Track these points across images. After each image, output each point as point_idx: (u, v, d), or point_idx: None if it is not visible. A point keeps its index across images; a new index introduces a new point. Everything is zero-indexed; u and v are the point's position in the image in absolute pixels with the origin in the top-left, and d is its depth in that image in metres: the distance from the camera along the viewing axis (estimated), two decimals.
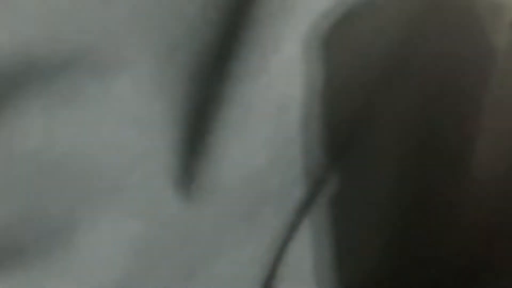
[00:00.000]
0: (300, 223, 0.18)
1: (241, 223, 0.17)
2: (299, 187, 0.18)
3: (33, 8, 0.14)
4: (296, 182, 0.18)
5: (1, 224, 0.15)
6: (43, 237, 0.16)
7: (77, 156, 0.16)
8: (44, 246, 0.16)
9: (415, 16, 0.18)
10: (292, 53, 0.17)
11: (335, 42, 0.18)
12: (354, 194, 0.18)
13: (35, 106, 0.15)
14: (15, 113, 0.15)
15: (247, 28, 0.16)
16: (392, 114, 0.18)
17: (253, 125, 0.17)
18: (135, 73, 0.16)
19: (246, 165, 0.17)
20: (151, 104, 0.16)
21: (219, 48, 0.16)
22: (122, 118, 0.16)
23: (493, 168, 0.19)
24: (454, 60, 0.18)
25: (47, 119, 0.15)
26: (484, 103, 0.18)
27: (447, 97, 0.19)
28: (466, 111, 0.18)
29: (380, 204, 0.18)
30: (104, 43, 0.15)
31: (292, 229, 0.18)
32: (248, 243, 0.17)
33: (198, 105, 0.16)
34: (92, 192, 0.16)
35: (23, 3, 0.14)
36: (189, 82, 0.16)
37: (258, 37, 0.16)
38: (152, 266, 0.17)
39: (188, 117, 0.16)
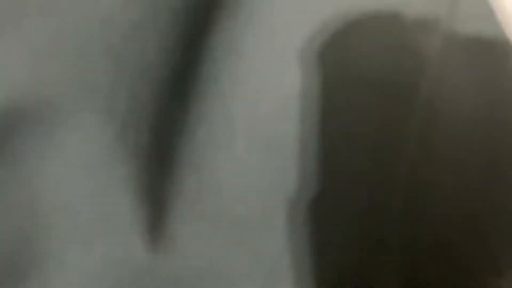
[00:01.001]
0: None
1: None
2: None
3: None
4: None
5: None
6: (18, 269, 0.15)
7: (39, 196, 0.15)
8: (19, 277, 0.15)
9: None
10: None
11: (332, 58, 0.17)
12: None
13: None
14: None
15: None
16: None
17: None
18: (80, 123, 0.15)
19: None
20: (105, 155, 0.15)
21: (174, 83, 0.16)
22: (73, 167, 0.15)
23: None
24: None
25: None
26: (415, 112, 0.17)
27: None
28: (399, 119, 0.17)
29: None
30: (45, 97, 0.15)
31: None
32: None
33: (160, 150, 0.16)
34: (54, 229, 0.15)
35: None
36: (141, 129, 0.15)
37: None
38: None
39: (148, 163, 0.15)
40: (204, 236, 0.16)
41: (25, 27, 0.15)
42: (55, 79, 0.15)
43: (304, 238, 0.16)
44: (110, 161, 0.15)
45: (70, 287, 0.15)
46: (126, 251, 0.16)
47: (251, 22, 0.16)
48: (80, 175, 0.15)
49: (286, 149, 0.16)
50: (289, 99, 0.16)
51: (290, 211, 0.16)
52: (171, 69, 0.15)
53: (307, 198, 0.16)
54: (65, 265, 0.15)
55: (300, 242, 0.16)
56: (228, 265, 0.16)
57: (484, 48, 0.17)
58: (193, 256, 0.16)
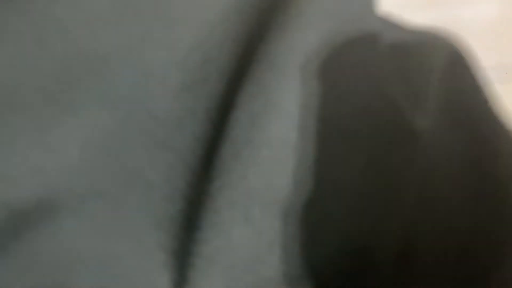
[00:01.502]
0: None
1: None
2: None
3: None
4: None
5: None
6: None
7: None
8: None
9: None
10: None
11: (334, 75, 0.18)
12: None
13: None
14: None
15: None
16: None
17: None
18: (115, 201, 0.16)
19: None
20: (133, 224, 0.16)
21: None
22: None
23: None
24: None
25: None
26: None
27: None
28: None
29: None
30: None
31: None
32: None
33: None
34: None
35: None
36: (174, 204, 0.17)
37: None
38: None
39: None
40: None
41: (82, 116, 0.16)
42: (102, 164, 0.16)
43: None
44: (137, 230, 0.16)
45: None
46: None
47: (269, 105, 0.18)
48: (106, 242, 0.16)
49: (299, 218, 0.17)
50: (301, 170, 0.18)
51: None
52: (201, 150, 0.17)
53: None
54: None
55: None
56: None
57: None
58: None
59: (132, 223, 0.16)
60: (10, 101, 0.15)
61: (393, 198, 0.18)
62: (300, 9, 0.19)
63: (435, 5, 1.48)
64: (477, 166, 0.19)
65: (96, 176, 0.16)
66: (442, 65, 0.20)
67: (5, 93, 0.15)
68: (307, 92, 0.18)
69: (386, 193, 0.18)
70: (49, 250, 0.15)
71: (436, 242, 0.18)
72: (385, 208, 0.18)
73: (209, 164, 0.17)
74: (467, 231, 0.19)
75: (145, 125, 0.16)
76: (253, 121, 0.18)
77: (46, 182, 0.15)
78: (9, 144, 0.15)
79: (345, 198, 0.18)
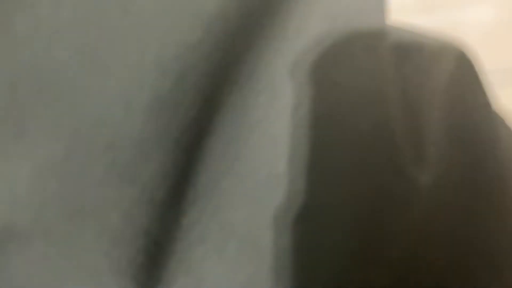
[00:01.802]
0: None
1: None
2: None
3: None
4: None
5: None
6: None
7: None
8: None
9: None
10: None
11: (326, 73, 0.17)
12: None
13: None
14: None
15: None
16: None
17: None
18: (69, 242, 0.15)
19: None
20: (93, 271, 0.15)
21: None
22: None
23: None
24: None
25: None
26: None
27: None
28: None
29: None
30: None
31: None
32: None
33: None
34: None
35: None
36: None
37: None
38: None
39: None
40: None
41: (30, 143, 0.14)
42: (53, 199, 0.14)
43: None
44: (93, 272, 0.14)
45: None
46: None
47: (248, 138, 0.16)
48: (60, 285, 0.14)
49: (277, 261, 0.16)
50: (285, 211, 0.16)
51: None
52: (170, 183, 0.15)
53: None
54: None
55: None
56: None
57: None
58: None
59: (87, 264, 0.15)
60: None
61: (379, 246, 0.16)
62: (288, 19, 0.17)
63: (431, 9, 1.48)
64: (479, 228, 0.18)
65: (46, 211, 0.14)
66: (448, 75, 0.18)
67: None
68: (297, 114, 0.16)
69: (373, 239, 0.16)
70: None
71: None
72: (372, 252, 0.16)
73: (180, 197, 0.15)
74: None
75: (105, 155, 0.15)
76: (236, 149, 0.16)
77: None
78: None
79: (331, 241, 0.16)
